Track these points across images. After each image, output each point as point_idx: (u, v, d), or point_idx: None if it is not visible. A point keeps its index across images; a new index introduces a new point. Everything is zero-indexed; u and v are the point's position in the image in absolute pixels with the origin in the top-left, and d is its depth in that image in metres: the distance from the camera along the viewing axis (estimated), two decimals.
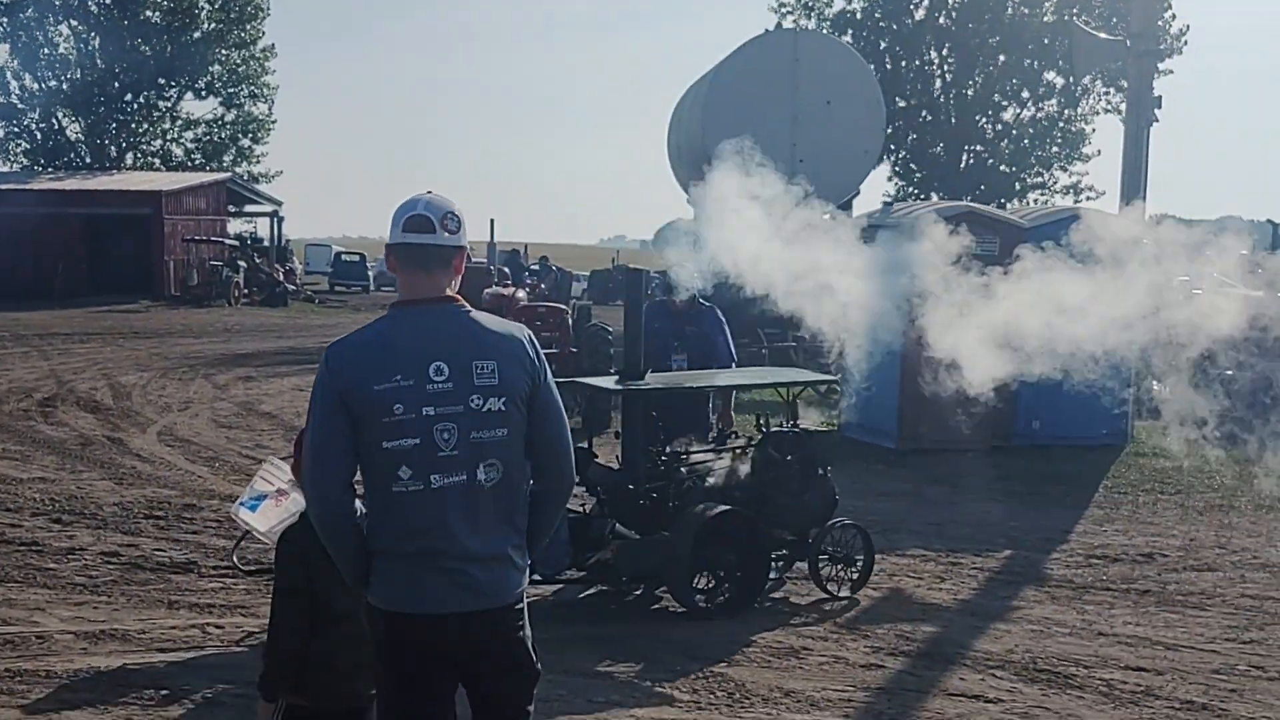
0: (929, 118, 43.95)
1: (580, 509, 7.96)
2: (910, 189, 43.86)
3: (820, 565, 8.05)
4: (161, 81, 49.45)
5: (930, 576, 8.73)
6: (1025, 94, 43.98)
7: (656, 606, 7.83)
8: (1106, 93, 42.95)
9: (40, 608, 7.40)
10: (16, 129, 49.53)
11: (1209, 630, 7.58)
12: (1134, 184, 16.22)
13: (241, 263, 39.55)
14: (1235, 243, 7.61)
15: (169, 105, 50.99)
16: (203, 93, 50.66)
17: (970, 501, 11.36)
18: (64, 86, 48.57)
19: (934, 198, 37.88)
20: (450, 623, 3.57)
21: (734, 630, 7.26)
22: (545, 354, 3.85)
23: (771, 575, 7.97)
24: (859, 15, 43.64)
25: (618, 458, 8.02)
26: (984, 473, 12.41)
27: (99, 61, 48.37)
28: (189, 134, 51.86)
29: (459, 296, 3.72)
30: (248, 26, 49.92)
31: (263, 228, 48.34)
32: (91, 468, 11.79)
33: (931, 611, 7.89)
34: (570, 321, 17.85)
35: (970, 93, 43.76)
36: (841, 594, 8.04)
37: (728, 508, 7.60)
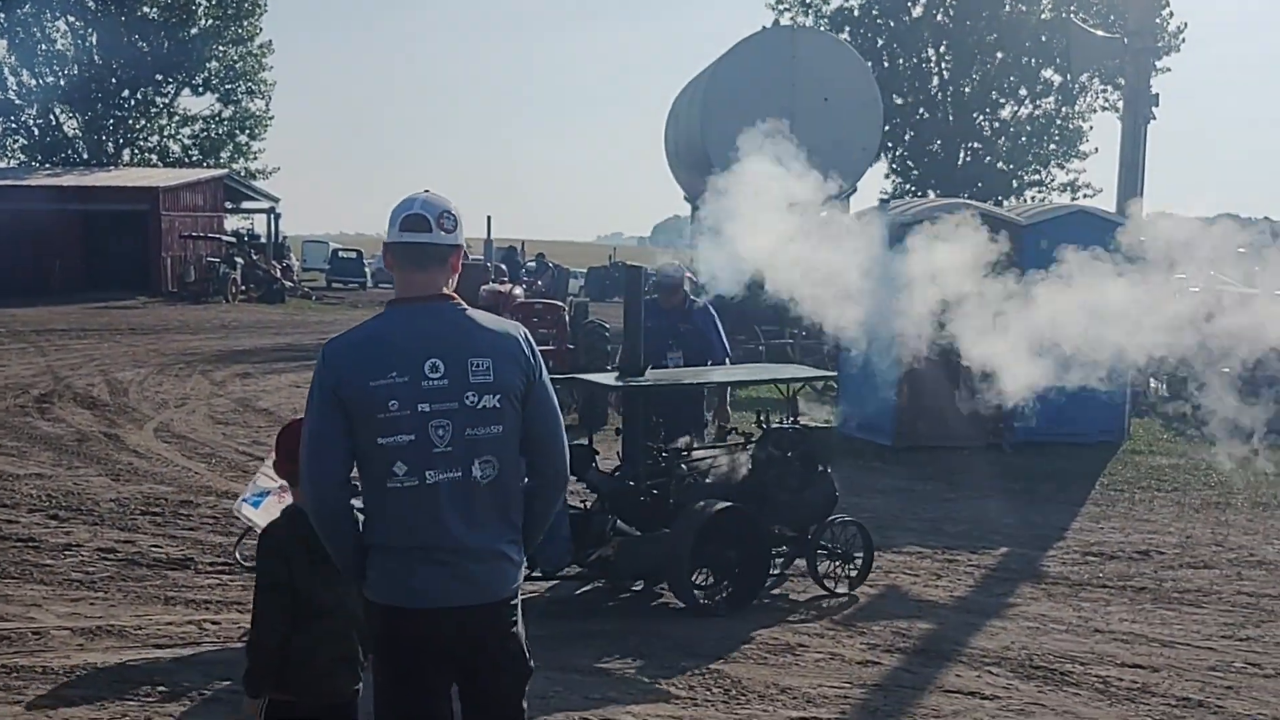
0: (926, 115, 43.94)
1: (581, 506, 7.98)
2: (907, 186, 43.86)
3: (819, 562, 8.06)
4: (159, 77, 49.44)
5: (926, 573, 8.74)
6: (1023, 91, 43.99)
7: (656, 603, 7.84)
8: (1104, 90, 42.96)
9: (37, 604, 7.40)
10: (14, 125, 49.49)
11: (1205, 627, 7.59)
12: (1131, 181, 16.25)
13: (239, 259, 39.50)
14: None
15: (166, 101, 50.96)
16: (200, 89, 50.61)
17: (967, 499, 11.38)
18: (61, 82, 48.51)
19: (931, 195, 37.89)
20: (446, 617, 3.59)
21: (731, 627, 7.27)
22: (542, 351, 3.88)
23: (772, 572, 7.98)
24: (857, 12, 43.62)
25: (618, 454, 8.03)
26: (980, 470, 12.43)
27: (96, 57, 48.34)
28: (186, 130, 51.85)
29: (455, 295, 3.75)
30: (245, 23, 49.89)
31: (260, 224, 48.31)
32: (88, 464, 11.79)
33: (928, 608, 7.90)
34: (567, 318, 17.84)
35: (968, 90, 43.76)
36: (838, 589, 8.05)
37: (729, 504, 7.61)
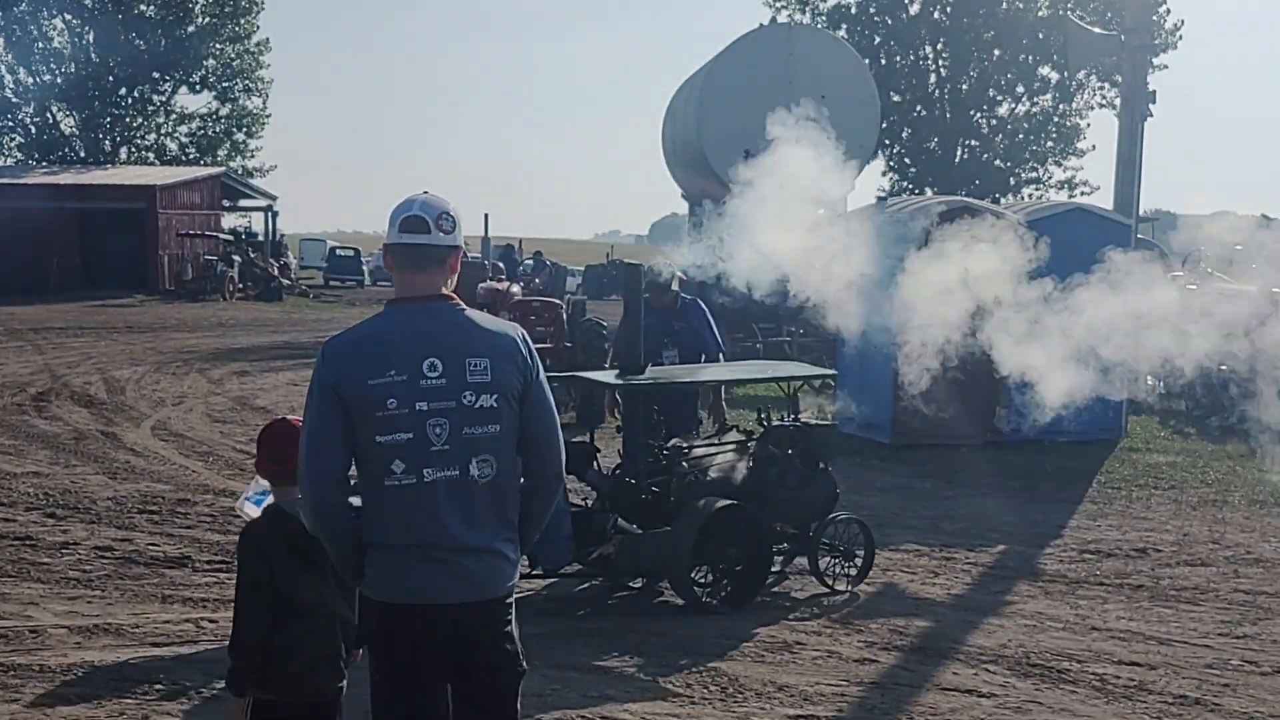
0: (923, 112, 43.98)
1: (583, 504, 7.98)
2: (905, 184, 43.90)
3: (820, 559, 8.07)
4: (156, 75, 49.40)
5: (924, 571, 8.75)
6: (1020, 89, 44.06)
7: (657, 600, 7.85)
8: (1101, 87, 43.05)
9: (34, 602, 7.40)
10: (11, 123, 49.42)
11: (1202, 625, 7.60)
12: (1128, 179, 16.25)
13: (236, 257, 39.46)
14: None
15: (163, 99, 50.93)
16: (197, 87, 50.58)
17: (964, 496, 11.38)
18: (58, 80, 48.47)
19: (928, 193, 37.92)
20: (442, 613, 3.61)
21: (729, 625, 7.28)
22: (539, 349, 3.90)
23: (773, 569, 7.99)
24: (854, 10, 43.65)
25: (619, 452, 8.04)
26: (978, 468, 12.44)
27: (93, 55, 48.30)
28: (183, 128, 51.80)
29: (454, 295, 3.78)
30: (242, 20, 49.84)
31: (257, 222, 48.31)
32: (85, 462, 11.78)
33: (925, 606, 7.90)
34: (565, 316, 17.82)
35: (965, 87, 43.81)
36: (839, 587, 8.06)
37: (730, 502, 7.62)
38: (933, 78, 44.22)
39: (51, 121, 49.80)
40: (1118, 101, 21.04)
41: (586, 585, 8.02)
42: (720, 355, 9.66)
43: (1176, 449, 13.82)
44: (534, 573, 7.51)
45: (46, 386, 16.75)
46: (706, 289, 11.92)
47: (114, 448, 12.56)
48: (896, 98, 42.51)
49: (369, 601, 3.70)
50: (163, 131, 51.72)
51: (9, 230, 35.46)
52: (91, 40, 48.29)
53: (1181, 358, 7.16)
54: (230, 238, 41.96)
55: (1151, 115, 16.29)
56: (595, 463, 7.83)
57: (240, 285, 38.71)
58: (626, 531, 7.63)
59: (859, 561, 8.18)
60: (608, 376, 8.33)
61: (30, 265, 36.34)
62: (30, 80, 48.65)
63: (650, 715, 5.94)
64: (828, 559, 8.12)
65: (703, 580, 7.64)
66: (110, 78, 48.48)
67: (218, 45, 49.84)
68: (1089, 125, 45.35)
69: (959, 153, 44.12)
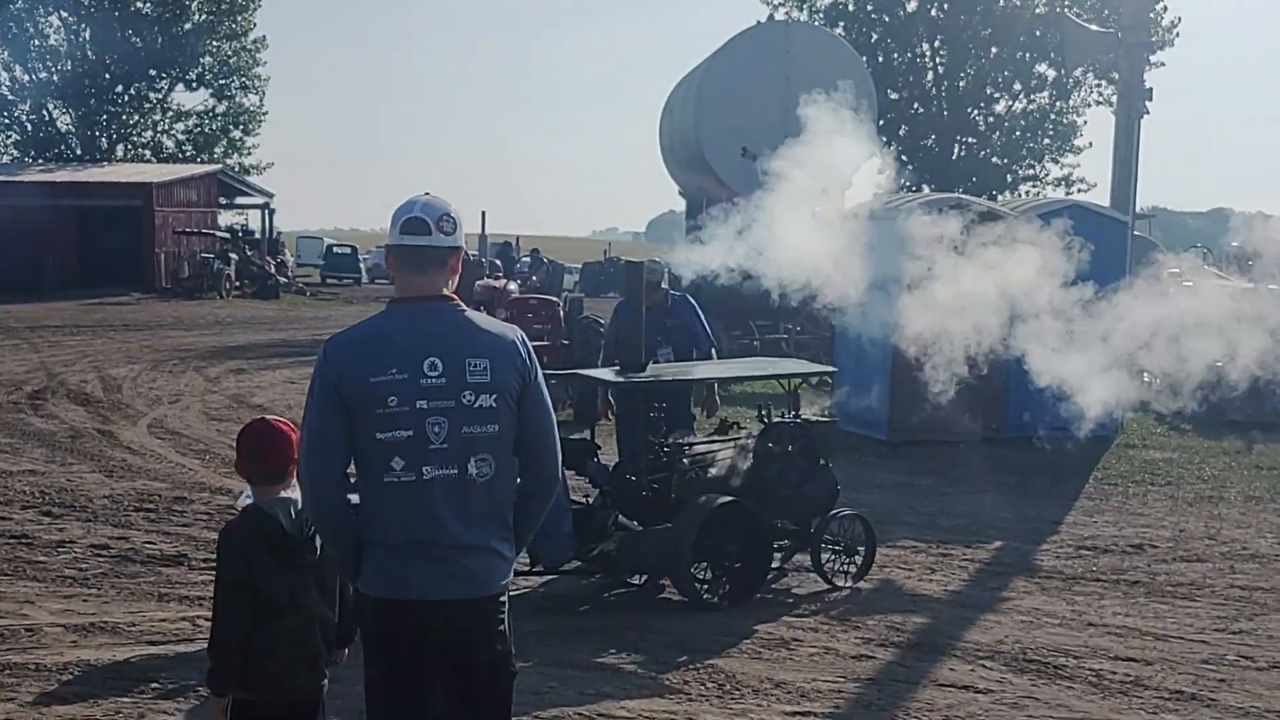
0: (921, 110, 44.00)
1: (583, 500, 7.98)
2: (901, 181, 43.88)
3: (822, 555, 8.07)
4: (152, 73, 49.31)
5: (921, 568, 8.75)
6: (1017, 86, 44.08)
7: (659, 597, 7.85)
8: (1098, 85, 43.10)
9: (30, 601, 7.40)
10: (7, 120, 49.35)
11: (1198, 621, 7.61)
12: (1125, 176, 16.24)
13: (233, 255, 39.40)
14: None
15: (160, 97, 50.83)
16: (194, 84, 50.49)
17: (961, 493, 11.40)
18: (54, 78, 48.39)
19: (925, 190, 37.93)
20: (435, 609, 3.62)
21: (727, 622, 7.28)
22: (536, 346, 3.91)
23: (773, 566, 7.99)
24: (851, 7, 43.66)
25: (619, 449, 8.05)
26: (975, 464, 12.45)
27: (89, 53, 48.22)
28: (180, 126, 51.73)
29: (455, 296, 3.80)
30: (239, 18, 49.77)
31: (254, 220, 48.19)
32: (82, 460, 11.77)
33: (922, 603, 7.91)
34: (562, 314, 17.81)
35: (962, 85, 43.83)
36: (840, 583, 8.06)
37: (730, 499, 7.63)
38: (930, 75, 44.25)
39: (48, 119, 49.72)
40: (1114, 98, 21.07)
41: (584, 582, 8.01)
42: (712, 349, 9.68)
43: (1173, 445, 13.84)
44: (534, 570, 7.51)
45: (43, 385, 16.73)
46: (697, 287, 11.93)
47: (110, 446, 12.55)
48: (894, 95, 42.54)
49: (364, 599, 3.71)
50: (159, 129, 51.66)
51: (5, 228, 35.38)
52: (88, 37, 48.21)
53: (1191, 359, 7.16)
54: (227, 235, 41.90)
55: (1148, 112, 16.27)
56: (595, 459, 7.83)
57: (237, 283, 38.67)
58: (627, 528, 7.64)
59: (859, 558, 8.18)
60: (606, 374, 8.34)
61: (27, 263, 36.26)
62: (26, 78, 48.62)
63: (648, 712, 5.94)
64: (829, 555, 8.12)
65: (703, 577, 7.65)
66: (107, 75, 48.41)
67: (214, 42, 49.76)
68: (1086, 122, 45.44)
69: (956, 150, 44.15)
